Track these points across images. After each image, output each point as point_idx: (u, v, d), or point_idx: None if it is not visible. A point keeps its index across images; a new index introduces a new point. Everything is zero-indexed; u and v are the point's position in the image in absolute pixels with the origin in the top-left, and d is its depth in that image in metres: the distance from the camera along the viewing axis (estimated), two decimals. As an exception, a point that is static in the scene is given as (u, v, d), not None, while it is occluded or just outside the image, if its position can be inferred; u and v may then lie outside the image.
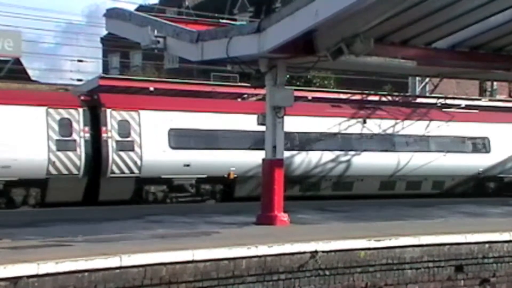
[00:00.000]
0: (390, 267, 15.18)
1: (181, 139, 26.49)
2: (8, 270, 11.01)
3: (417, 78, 43.85)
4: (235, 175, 27.09)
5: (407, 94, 41.77)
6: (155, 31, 18.88)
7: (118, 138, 25.46)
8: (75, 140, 24.78)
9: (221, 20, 31.87)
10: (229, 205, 25.40)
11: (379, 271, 15.02)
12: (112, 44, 54.45)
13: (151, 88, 31.00)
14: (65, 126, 24.71)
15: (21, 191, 24.19)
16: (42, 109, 24.47)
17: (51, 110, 24.53)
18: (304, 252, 14.14)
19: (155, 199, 26.29)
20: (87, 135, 25.04)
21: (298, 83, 41.92)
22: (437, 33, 19.14)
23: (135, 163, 25.63)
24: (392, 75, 36.34)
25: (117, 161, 25.34)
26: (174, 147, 26.32)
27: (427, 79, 44.09)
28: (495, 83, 46.47)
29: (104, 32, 55.43)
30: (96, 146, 25.18)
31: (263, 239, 14.65)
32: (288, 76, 20.77)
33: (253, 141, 26.11)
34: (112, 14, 21.12)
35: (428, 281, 15.65)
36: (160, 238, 14.96)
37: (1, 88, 30.66)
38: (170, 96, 29.33)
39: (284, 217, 18.36)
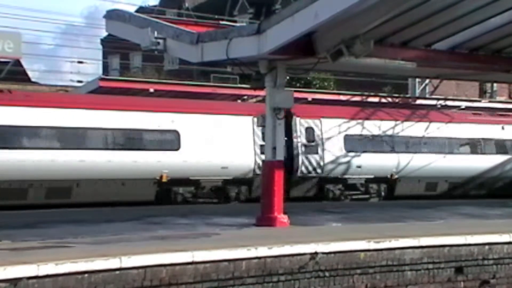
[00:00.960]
0: (390, 269, 15.18)
1: (354, 143, 30.26)
2: (8, 271, 11.00)
3: (417, 80, 43.87)
4: (396, 176, 30.98)
5: (407, 95, 41.79)
6: (155, 33, 18.88)
7: (305, 143, 29.23)
8: None
9: (221, 22, 31.93)
10: (229, 207, 25.42)
11: (379, 273, 15.03)
12: (112, 46, 54.46)
13: (151, 90, 31.05)
14: None
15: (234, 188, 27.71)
16: (249, 118, 27.90)
17: (255, 119, 26.77)
18: (304, 254, 14.14)
19: (334, 196, 29.85)
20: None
21: (298, 85, 41.95)
22: (437, 34, 19.15)
23: (318, 164, 29.30)
24: (392, 77, 36.39)
25: (305, 163, 29.01)
26: (349, 150, 30.09)
27: (427, 81, 44.12)
28: (495, 84, 46.52)
29: (104, 33, 55.50)
30: (289, 150, 28.19)
31: (263, 240, 14.66)
32: (288, 77, 20.77)
33: (410, 146, 31.26)
34: (112, 15, 21.12)
35: (428, 282, 15.65)
36: (160, 239, 14.97)
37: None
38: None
39: (284, 218, 18.37)
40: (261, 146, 26.31)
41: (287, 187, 25.82)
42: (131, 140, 25.83)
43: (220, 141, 27.17)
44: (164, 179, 26.00)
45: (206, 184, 27.22)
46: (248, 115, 27.93)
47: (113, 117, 25.66)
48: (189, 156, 26.60)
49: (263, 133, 25.70)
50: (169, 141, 26.43)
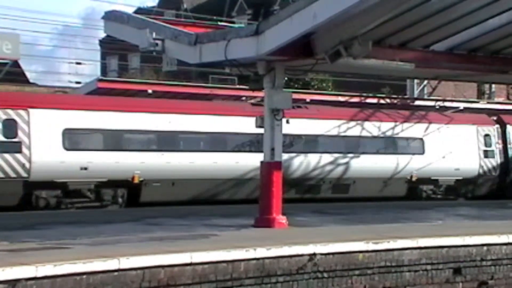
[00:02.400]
0: (388, 270, 15.19)
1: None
2: (7, 272, 11.00)
3: (415, 81, 43.95)
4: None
5: (405, 96, 41.82)
6: (154, 34, 18.88)
7: None
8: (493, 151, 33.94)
9: (219, 23, 31.88)
10: (227, 208, 25.42)
11: (377, 274, 15.03)
12: (111, 47, 54.47)
13: (149, 91, 31.05)
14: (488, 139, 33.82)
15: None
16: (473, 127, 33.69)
17: (479, 128, 33.65)
18: (302, 255, 14.14)
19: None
20: (500, 146, 34.00)
21: (296, 86, 41.97)
22: (435, 35, 19.16)
23: None
24: (390, 78, 36.39)
25: None
26: None
27: (425, 82, 44.16)
28: (493, 85, 46.57)
29: (101, 34, 55.54)
30: (504, 155, 34.16)
31: (261, 241, 14.65)
32: (286, 78, 20.78)
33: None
34: (111, 16, 21.12)
35: (426, 283, 15.65)
36: (158, 240, 14.96)
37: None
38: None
39: (283, 219, 18.36)
40: (484, 151, 33.58)
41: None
42: (392, 146, 31.93)
43: (454, 148, 32.69)
44: (413, 178, 31.81)
45: (443, 183, 32.72)
46: (473, 124, 33.74)
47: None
48: (432, 160, 32.15)
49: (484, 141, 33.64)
50: (417, 147, 32.23)
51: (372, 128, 31.40)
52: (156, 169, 26.59)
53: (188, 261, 12.82)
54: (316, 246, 14.36)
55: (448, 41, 19.69)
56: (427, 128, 32.56)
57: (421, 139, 32.36)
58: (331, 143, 30.33)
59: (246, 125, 25.40)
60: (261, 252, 13.69)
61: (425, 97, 43.39)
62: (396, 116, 32.59)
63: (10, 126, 24.75)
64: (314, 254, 14.22)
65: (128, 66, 63.34)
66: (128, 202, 26.46)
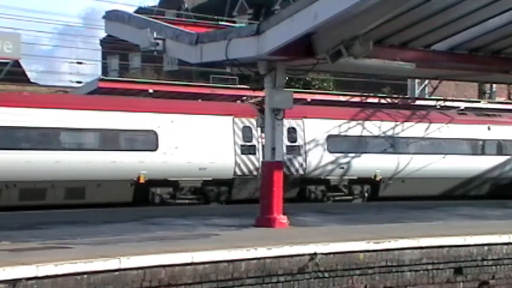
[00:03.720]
0: (389, 269, 15.19)
1: None
2: (7, 272, 11.00)
3: (416, 81, 43.89)
4: None
5: (406, 96, 41.81)
6: (154, 33, 18.88)
7: None
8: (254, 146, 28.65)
9: (220, 22, 31.90)
10: (228, 207, 25.42)
11: (378, 273, 15.03)
12: (111, 46, 54.46)
13: (150, 90, 31.05)
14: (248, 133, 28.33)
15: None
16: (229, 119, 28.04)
17: (236, 120, 28.00)
18: (303, 254, 14.14)
19: None
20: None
21: (297, 86, 41.97)
22: (436, 35, 19.16)
23: None
24: (391, 78, 36.39)
25: None
26: None
27: (426, 81, 44.14)
28: (494, 85, 46.54)
29: (102, 34, 55.54)
30: None
31: (262, 241, 14.65)
32: (287, 78, 20.78)
33: None
34: (112, 16, 21.11)
35: (427, 283, 15.65)
36: (159, 240, 14.97)
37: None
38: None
39: (283, 219, 18.37)
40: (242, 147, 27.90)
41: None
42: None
43: (200, 143, 27.23)
44: (141, 180, 26.20)
45: (185, 185, 27.28)
46: (228, 115, 28.09)
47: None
48: (169, 157, 26.75)
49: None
50: (147, 141, 26.66)
51: None
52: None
53: (189, 260, 12.82)
54: (317, 245, 14.36)
55: (449, 40, 19.69)
56: (162, 119, 26.82)
57: (154, 131, 26.49)
58: None
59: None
60: (262, 252, 13.70)
61: (426, 96, 43.36)
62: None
63: None
64: (315, 254, 14.22)
65: (129, 66, 63.33)
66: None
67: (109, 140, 25.95)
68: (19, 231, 16.42)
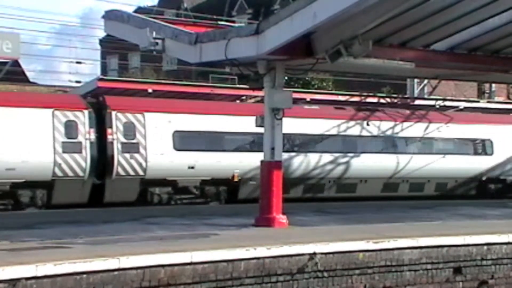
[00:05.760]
0: (389, 269, 15.19)
1: None
2: (7, 272, 11.01)
3: (416, 80, 43.88)
4: None
5: (406, 96, 41.79)
6: (154, 33, 18.88)
7: None
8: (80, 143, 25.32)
9: (219, 22, 31.84)
10: (228, 207, 25.42)
11: (377, 273, 15.03)
12: (111, 46, 54.45)
13: (150, 90, 31.03)
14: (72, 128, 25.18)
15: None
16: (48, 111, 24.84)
17: (58, 113, 24.90)
18: (302, 254, 14.14)
19: None
20: (93, 137, 25.40)
21: (296, 85, 41.95)
22: (435, 35, 19.16)
23: None
24: (391, 77, 36.38)
25: None
26: None
27: (426, 81, 44.13)
28: (493, 85, 46.54)
29: (101, 34, 55.53)
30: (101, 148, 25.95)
31: (261, 241, 14.66)
32: (286, 78, 20.77)
33: None
34: (111, 16, 21.12)
35: (427, 283, 15.66)
36: (158, 240, 14.97)
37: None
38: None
39: (283, 219, 18.37)
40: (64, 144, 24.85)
41: None
42: None
43: (9, 138, 24.33)
44: None
45: None
46: (47, 108, 25.17)
47: None
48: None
49: None
50: None
51: None
52: None
53: (188, 260, 12.82)
54: (316, 245, 14.37)
55: (449, 40, 19.70)
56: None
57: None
58: None
59: None
60: (261, 252, 13.70)
61: (425, 96, 43.36)
62: None
63: None
64: (314, 254, 14.23)
65: (128, 66, 63.33)
66: None
67: None
68: (18, 231, 16.42)
